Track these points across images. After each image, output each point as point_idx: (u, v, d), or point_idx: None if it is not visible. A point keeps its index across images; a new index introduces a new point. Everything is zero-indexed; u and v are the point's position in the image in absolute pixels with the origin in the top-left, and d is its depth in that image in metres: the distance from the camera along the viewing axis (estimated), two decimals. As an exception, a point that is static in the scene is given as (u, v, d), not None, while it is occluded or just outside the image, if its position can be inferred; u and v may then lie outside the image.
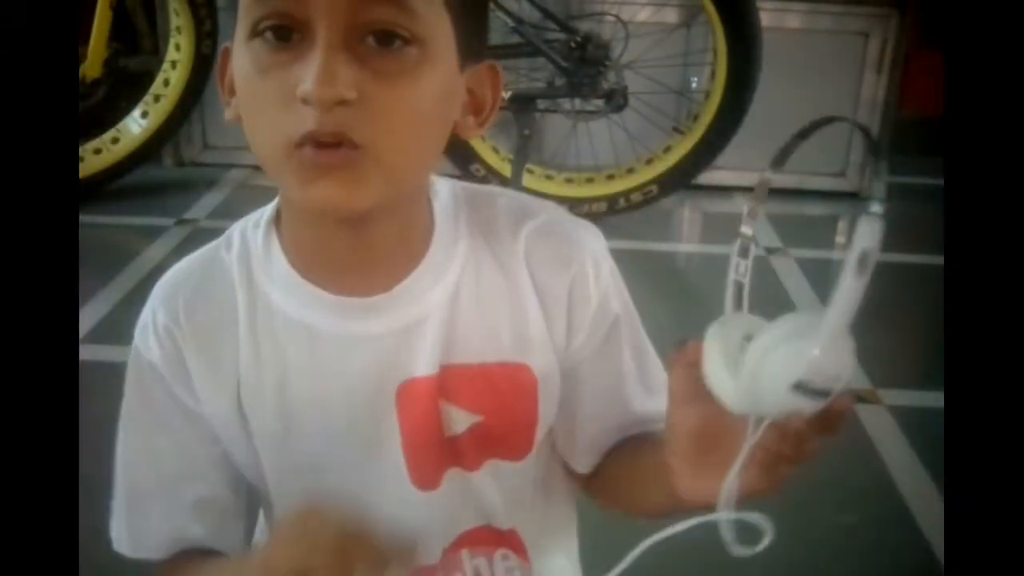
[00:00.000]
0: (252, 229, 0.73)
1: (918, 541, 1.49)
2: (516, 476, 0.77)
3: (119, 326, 2.12)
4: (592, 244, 0.74)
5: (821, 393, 0.53)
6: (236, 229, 0.75)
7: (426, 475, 0.75)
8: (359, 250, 0.69)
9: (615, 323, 0.76)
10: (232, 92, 0.65)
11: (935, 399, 1.77)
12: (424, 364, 0.71)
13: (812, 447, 0.56)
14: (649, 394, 0.77)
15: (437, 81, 0.62)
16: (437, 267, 0.71)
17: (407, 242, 0.70)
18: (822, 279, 2.48)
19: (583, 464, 0.80)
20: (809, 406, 0.53)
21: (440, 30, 0.62)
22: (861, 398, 1.89)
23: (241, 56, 0.62)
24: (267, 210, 0.74)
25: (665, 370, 0.75)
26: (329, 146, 0.59)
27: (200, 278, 0.74)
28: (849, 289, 0.53)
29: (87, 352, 1.80)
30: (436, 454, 0.74)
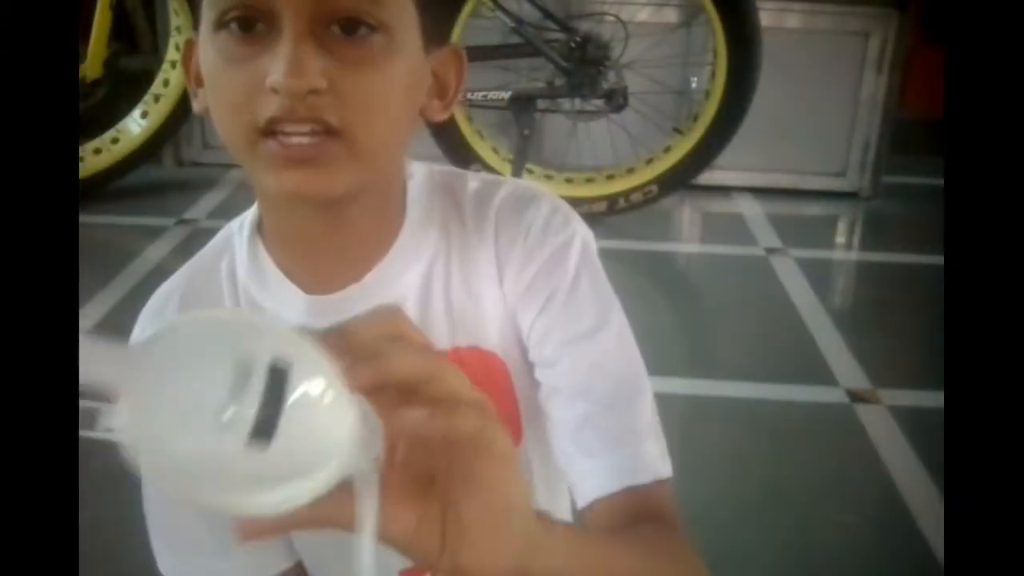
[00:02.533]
0: (238, 231, 0.74)
1: (918, 541, 1.49)
2: None
3: (119, 326, 2.12)
4: (558, 207, 0.72)
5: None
6: (223, 233, 0.76)
7: None
8: (333, 235, 0.68)
9: (553, 298, 0.70)
10: (200, 83, 0.65)
11: (935, 399, 1.78)
12: None
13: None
14: (586, 453, 0.70)
15: (403, 66, 0.62)
16: (408, 253, 0.71)
17: (380, 227, 0.70)
18: (822, 279, 2.49)
19: (574, 494, 0.74)
20: None
21: (404, 17, 0.62)
22: (861, 398, 1.89)
23: (207, 48, 0.62)
24: (251, 210, 0.74)
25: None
26: (299, 135, 0.59)
27: (187, 287, 0.75)
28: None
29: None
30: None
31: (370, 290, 0.70)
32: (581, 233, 0.73)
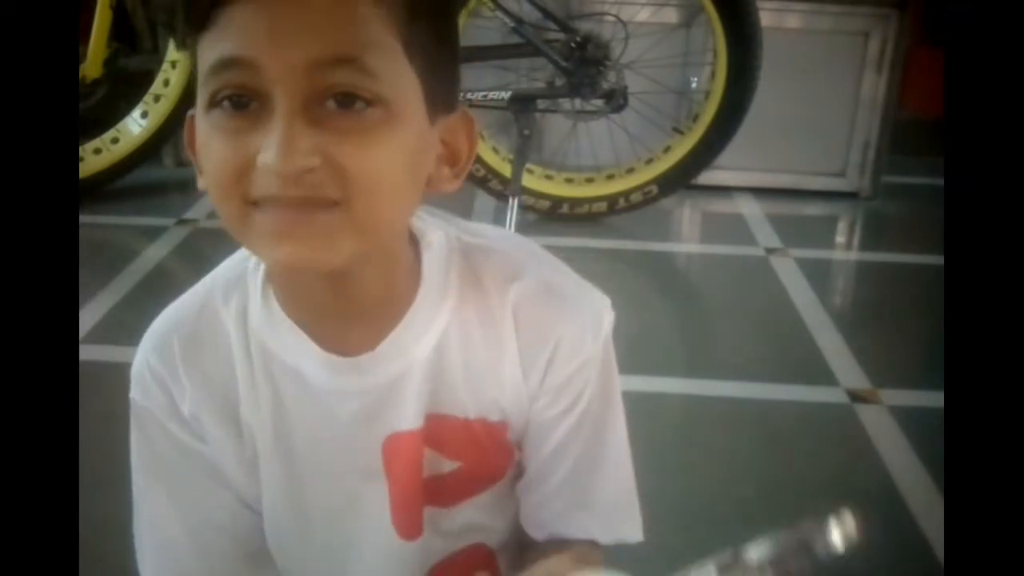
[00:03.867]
0: (253, 270, 0.73)
1: (918, 541, 1.49)
2: (493, 495, 0.79)
3: (119, 326, 2.12)
4: (583, 318, 0.72)
5: None
6: (235, 267, 0.74)
7: (409, 524, 0.76)
8: (341, 301, 0.68)
9: (571, 410, 0.74)
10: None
11: (935, 399, 1.78)
12: (409, 417, 0.71)
13: None
14: (567, 514, 0.77)
15: (405, 137, 0.61)
16: (423, 320, 0.70)
17: (391, 293, 0.70)
18: (822, 279, 2.49)
19: (520, 515, 0.81)
20: None
21: (405, 87, 0.61)
22: (861, 398, 1.89)
23: (202, 124, 0.61)
24: None
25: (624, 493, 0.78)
26: (289, 207, 0.59)
27: (195, 322, 0.73)
28: None
29: (87, 352, 1.79)
30: (418, 499, 0.75)
31: (386, 356, 0.70)
32: (605, 335, 0.73)
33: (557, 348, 0.71)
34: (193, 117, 0.64)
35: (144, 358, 0.74)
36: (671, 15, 2.86)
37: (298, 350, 0.70)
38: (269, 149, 0.57)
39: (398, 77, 0.60)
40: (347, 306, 0.68)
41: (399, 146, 0.60)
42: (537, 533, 0.79)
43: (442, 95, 0.64)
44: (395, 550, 0.76)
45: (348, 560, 0.78)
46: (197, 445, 0.74)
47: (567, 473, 0.76)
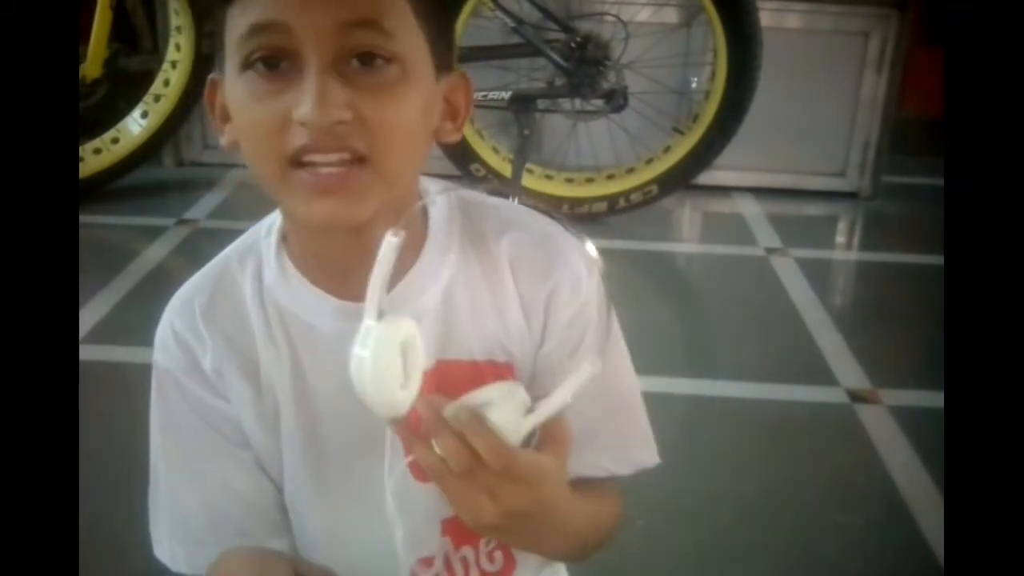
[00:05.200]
0: (265, 236, 0.78)
1: (918, 541, 1.49)
2: None
3: (119, 326, 2.12)
4: (576, 262, 0.76)
5: None
6: (249, 236, 0.79)
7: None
8: (358, 254, 0.71)
9: (577, 351, 0.77)
10: (225, 119, 0.70)
11: (935, 399, 1.78)
12: None
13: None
14: (583, 453, 0.78)
15: (418, 93, 0.68)
16: (430, 271, 0.75)
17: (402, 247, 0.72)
18: (822, 279, 2.49)
19: None
20: None
21: (416, 47, 0.68)
22: (861, 398, 1.89)
23: (235, 87, 0.67)
24: (277, 217, 0.78)
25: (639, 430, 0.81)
26: (329, 166, 0.65)
27: (213, 286, 0.78)
28: None
29: (87, 352, 1.79)
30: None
31: (395, 303, 0.72)
32: (597, 275, 0.77)
33: (556, 292, 0.76)
34: (215, 81, 0.71)
35: (167, 322, 0.78)
36: (671, 15, 2.86)
37: (311, 304, 0.74)
38: (305, 103, 0.63)
39: (410, 38, 0.67)
40: (360, 259, 0.71)
41: (414, 101, 0.67)
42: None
43: (445, 55, 0.71)
44: (411, 495, 0.76)
45: (365, 511, 0.78)
46: (217, 403, 0.77)
47: (579, 415, 0.77)
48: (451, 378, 0.75)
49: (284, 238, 0.76)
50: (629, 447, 0.81)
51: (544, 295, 0.76)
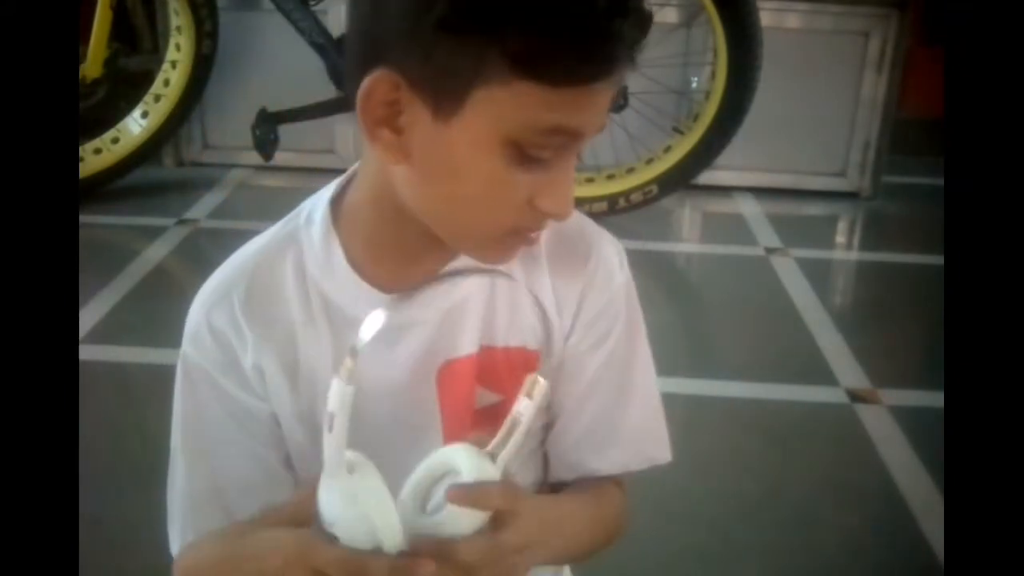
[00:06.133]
0: (304, 225, 0.75)
1: (918, 541, 1.49)
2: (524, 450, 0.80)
3: (119, 326, 2.12)
4: (609, 255, 0.79)
5: None
6: (285, 227, 0.76)
7: None
8: (418, 240, 0.72)
9: (604, 342, 0.78)
10: (383, 124, 0.64)
11: (935, 399, 1.78)
12: (467, 343, 0.75)
13: None
14: (600, 449, 0.80)
15: None
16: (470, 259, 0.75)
17: None
18: (822, 279, 2.49)
19: (551, 468, 0.83)
20: None
21: None
22: (861, 398, 1.89)
23: (482, 148, 0.63)
24: (320, 208, 0.75)
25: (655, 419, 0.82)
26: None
27: (251, 277, 0.75)
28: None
29: (87, 352, 1.80)
30: (468, 433, 0.76)
31: (440, 289, 0.75)
32: (627, 267, 0.81)
33: (590, 284, 0.77)
34: (397, 83, 0.62)
35: (203, 315, 0.75)
36: (671, 15, 2.86)
37: (358, 295, 0.73)
38: (558, 199, 0.66)
39: None
40: (421, 249, 0.73)
41: None
42: (569, 474, 0.82)
43: None
44: None
45: None
46: (252, 402, 0.75)
47: (599, 408, 0.79)
48: (489, 365, 0.76)
49: (336, 229, 0.74)
50: (644, 444, 0.82)
51: (579, 287, 0.77)
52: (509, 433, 0.61)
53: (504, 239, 0.68)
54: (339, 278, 0.74)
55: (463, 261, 0.74)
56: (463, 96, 0.61)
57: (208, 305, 0.75)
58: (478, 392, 0.77)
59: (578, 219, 0.79)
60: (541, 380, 0.61)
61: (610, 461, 0.80)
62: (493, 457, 0.61)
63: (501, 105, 0.61)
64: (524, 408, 0.61)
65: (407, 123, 0.64)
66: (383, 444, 0.76)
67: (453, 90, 0.61)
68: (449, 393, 0.76)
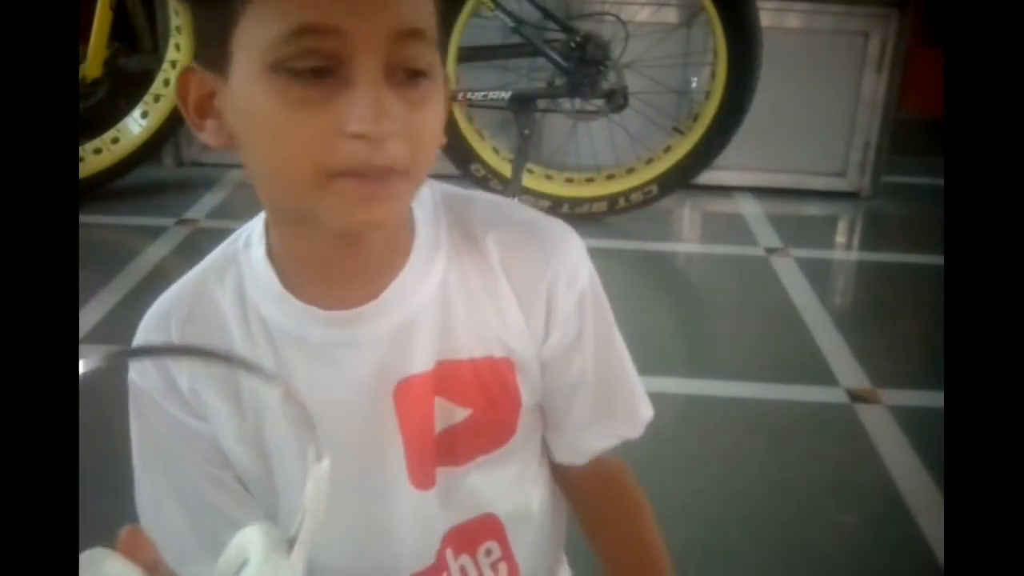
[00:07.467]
0: (243, 249, 0.74)
1: (918, 541, 1.49)
2: (501, 463, 0.79)
3: (119, 326, 2.12)
4: (570, 251, 0.76)
5: None
6: (224, 250, 0.76)
7: (423, 475, 0.76)
8: (354, 259, 0.70)
9: (581, 336, 0.77)
10: (204, 115, 0.67)
11: (935, 399, 1.78)
12: (420, 361, 0.73)
13: None
14: (597, 430, 0.82)
15: (441, 103, 0.66)
16: (420, 270, 0.73)
17: (393, 248, 0.72)
18: (822, 279, 2.49)
19: (554, 452, 0.84)
20: None
21: (437, 57, 0.66)
22: (861, 398, 1.89)
23: (253, 89, 0.62)
24: (255, 229, 0.75)
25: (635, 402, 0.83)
26: (375, 176, 0.62)
27: (191, 302, 0.74)
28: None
29: (87, 352, 1.78)
30: (431, 452, 0.76)
31: (389, 304, 0.72)
32: (587, 260, 0.77)
33: (554, 285, 0.75)
34: (191, 73, 0.66)
35: (143, 340, 0.76)
36: (671, 15, 2.86)
37: (300, 314, 0.72)
38: (363, 119, 0.59)
39: (435, 48, 0.65)
40: (356, 266, 0.71)
41: (440, 113, 0.66)
42: (577, 459, 0.83)
43: (444, 62, 0.69)
44: (412, 505, 0.76)
45: (363, 522, 0.78)
46: (195, 424, 0.75)
47: (591, 397, 0.80)
48: (450, 381, 0.74)
49: (267, 250, 0.73)
50: (635, 411, 0.83)
51: (543, 289, 0.75)
52: (302, 519, 0.56)
53: (330, 185, 0.61)
54: (277, 299, 0.72)
55: (407, 276, 0.72)
56: (226, 45, 0.62)
57: (147, 330, 0.75)
58: (448, 409, 0.75)
59: (534, 216, 0.78)
60: (323, 462, 0.56)
61: (611, 435, 0.82)
62: (292, 543, 0.55)
63: (252, 33, 0.61)
64: (309, 491, 0.55)
65: (220, 103, 0.65)
66: (344, 465, 0.75)
67: (219, 45, 0.62)
68: (407, 411, 0.74)
